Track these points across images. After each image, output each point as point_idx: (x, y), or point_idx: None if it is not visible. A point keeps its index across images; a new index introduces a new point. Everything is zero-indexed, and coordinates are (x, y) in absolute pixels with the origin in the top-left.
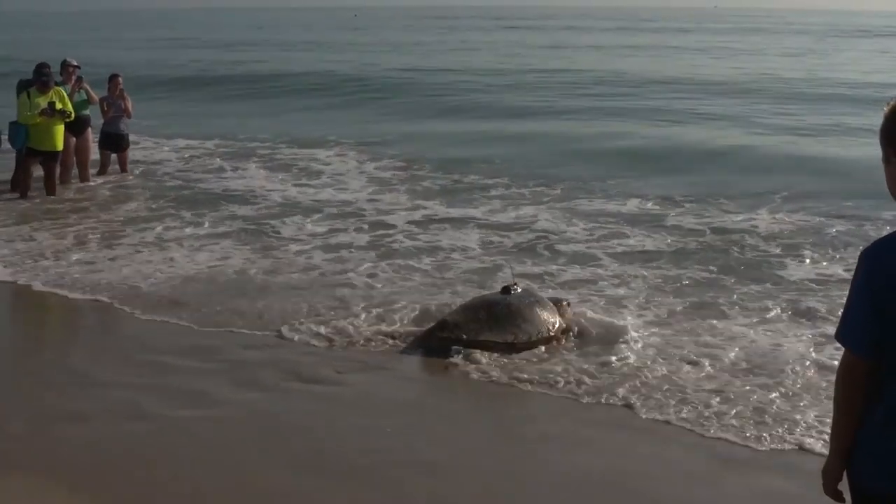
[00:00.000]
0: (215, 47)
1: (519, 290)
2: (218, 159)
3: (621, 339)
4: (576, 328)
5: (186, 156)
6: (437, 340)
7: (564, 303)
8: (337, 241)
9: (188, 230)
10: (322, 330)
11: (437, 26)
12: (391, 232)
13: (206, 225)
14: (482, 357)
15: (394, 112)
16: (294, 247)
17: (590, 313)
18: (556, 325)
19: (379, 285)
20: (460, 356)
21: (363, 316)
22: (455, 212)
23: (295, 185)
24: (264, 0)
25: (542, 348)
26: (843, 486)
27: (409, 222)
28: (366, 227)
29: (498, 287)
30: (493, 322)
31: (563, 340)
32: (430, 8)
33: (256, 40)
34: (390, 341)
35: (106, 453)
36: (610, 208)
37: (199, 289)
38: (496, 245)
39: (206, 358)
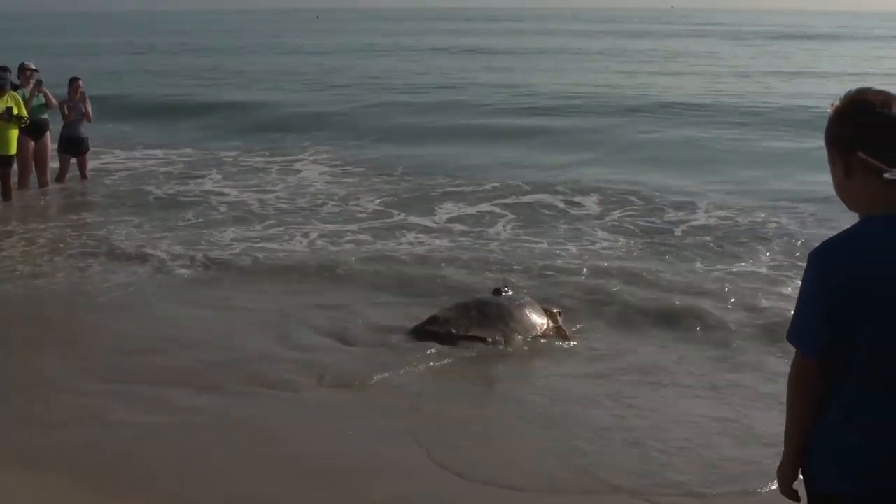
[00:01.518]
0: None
1: (509, 292)
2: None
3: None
4: (565, 337)
5: (148, 163)
6: (428, 335)
7: (555, 311)
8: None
9: (141, 235)
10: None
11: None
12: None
13: (148, 228)
14: (460, 354)
15: None
16: (239, 247)
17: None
18: (545, 327)
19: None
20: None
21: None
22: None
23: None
24: (251, 2)
25: (527, 349)
26: (798, 485)
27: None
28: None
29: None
30: (483, 319)
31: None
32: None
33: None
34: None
35: (71, 461)
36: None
37: (151, 296)
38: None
39: (166, 363)
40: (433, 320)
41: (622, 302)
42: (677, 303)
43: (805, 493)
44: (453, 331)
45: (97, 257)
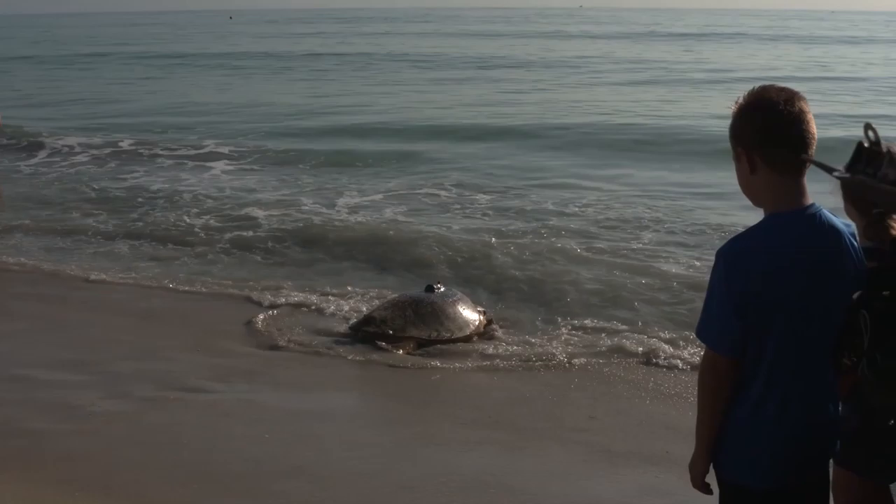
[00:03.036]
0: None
1: (441, 289)
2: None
3: None
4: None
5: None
6: (364, 335)
7: (481, 309)
8: None
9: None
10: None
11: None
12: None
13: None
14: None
15: None
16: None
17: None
18: (477, 324)
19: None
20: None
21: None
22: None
23: None
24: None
25: (460, 346)
26: (710, 477)
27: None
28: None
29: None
30: (419, 318)
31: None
32: (303, 10)
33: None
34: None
35: None
36: None
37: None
38: None
39: (77, 371)
40: (369, 320)
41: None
42: None
43: (717, 485)
44: (390, 331)
45: None
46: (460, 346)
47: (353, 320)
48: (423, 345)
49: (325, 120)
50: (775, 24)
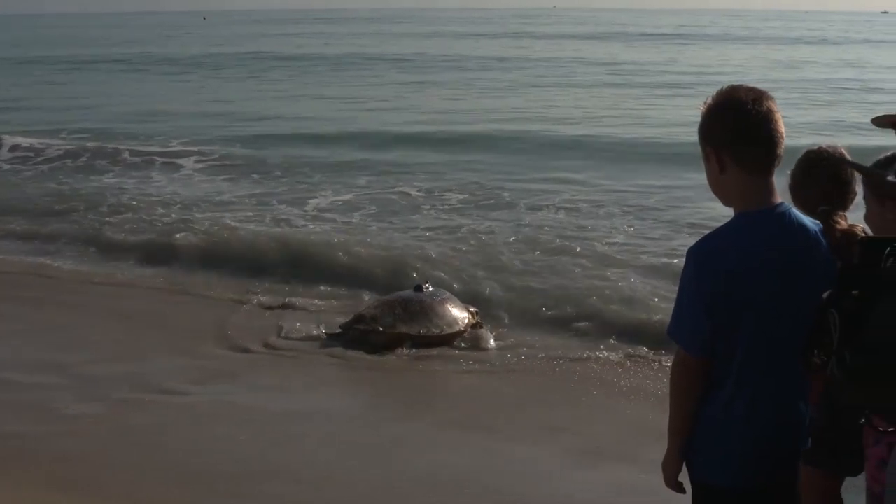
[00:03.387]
0: None
1: (430, 288)
2: None
3: None
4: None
5: None
6: (354, 333)
7: (472, 309)
8: None
9: None
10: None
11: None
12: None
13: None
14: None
15: None
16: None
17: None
18: (466, 322)
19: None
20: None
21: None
22: None
23: None
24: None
25: (445, 348)
26: (683, 476)
27: None
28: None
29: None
30: (408, 316)
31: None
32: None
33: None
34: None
35: None
36: None
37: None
38: None
39: (49, 373)
40: (360, 319)
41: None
42: None
43: (690, 484)
44: (380, 328)
45: None
46: (446, 348)
47: (343, 319)
48: (414, 342)
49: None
50: (750, 25)
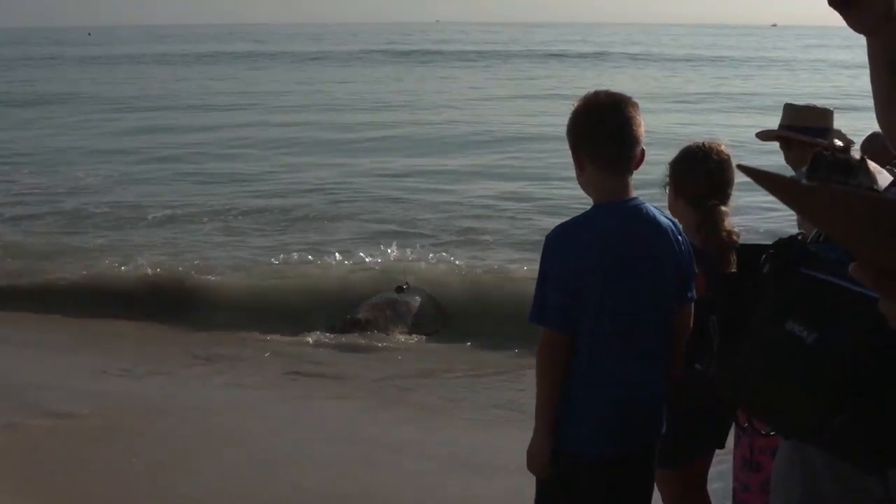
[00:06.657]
0: None
1: (409, 288)
2: None
3: None
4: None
5: None
6: (350, 334)
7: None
8: None
9: None
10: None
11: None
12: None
13: None
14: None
15: None
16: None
17: None
18: (443, 319)
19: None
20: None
21: None
22: None
23: None
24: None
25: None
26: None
27: None
28: None
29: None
30: (397, 318)
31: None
32: (172, 27)
33: None
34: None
35: None
36: None
37: None
38: None
39: None
40: (355, 322)
41: None
42: None
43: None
44: (375, 330)
45: None
46: (414, 344)
47: (335, 322)
48: (405, 340)
49: None
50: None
